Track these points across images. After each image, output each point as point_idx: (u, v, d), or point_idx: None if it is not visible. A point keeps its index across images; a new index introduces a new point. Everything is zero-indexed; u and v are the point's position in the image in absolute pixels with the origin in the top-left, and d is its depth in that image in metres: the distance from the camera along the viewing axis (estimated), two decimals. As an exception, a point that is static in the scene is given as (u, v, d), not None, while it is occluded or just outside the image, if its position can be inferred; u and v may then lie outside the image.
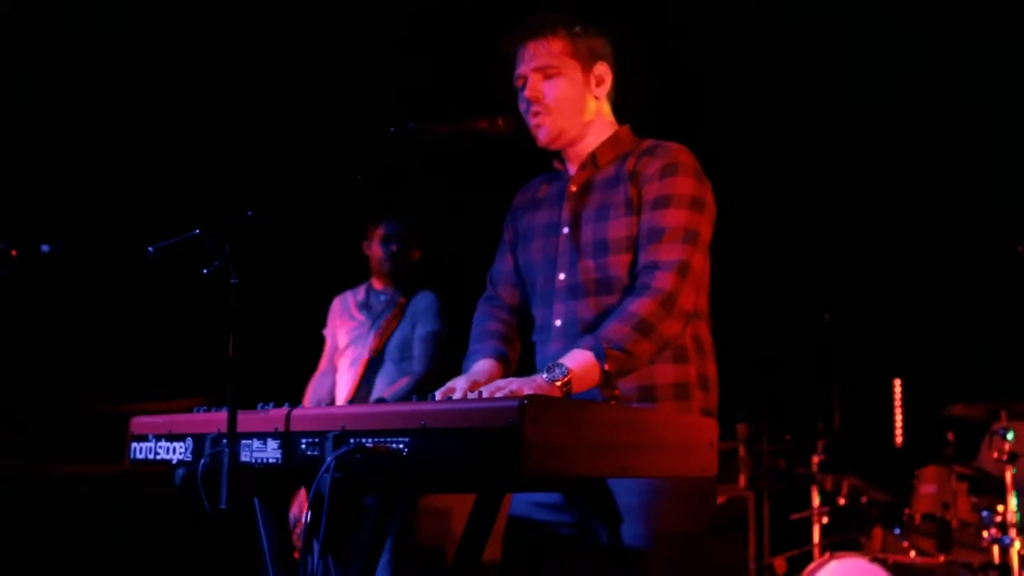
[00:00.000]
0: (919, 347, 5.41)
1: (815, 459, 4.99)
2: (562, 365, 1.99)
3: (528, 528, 2.25)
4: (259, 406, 2.06)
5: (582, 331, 2.20)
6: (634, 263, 2.21)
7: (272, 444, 1.90)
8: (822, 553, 4.62)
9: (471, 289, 2.62)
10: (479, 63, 2.88)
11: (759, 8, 5.18)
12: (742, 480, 5.16)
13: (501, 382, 1.93)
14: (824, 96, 5.32)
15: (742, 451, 5.17)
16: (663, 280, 2.13)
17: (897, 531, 4.45)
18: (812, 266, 5.54)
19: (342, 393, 4.14)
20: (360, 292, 4.29)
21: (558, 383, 1.96)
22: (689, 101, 5.26)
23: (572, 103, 2.31)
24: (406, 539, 3.54)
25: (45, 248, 3.20)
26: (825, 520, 4.93)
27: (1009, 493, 4.12)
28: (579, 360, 2.01)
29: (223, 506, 1.84)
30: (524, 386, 1.91)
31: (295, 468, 1.86)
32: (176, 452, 2.12)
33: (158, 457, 2.17)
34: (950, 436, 4.56)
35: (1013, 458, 4.14)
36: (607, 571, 2.10)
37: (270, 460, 1.90)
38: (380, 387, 4.06)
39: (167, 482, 2.08)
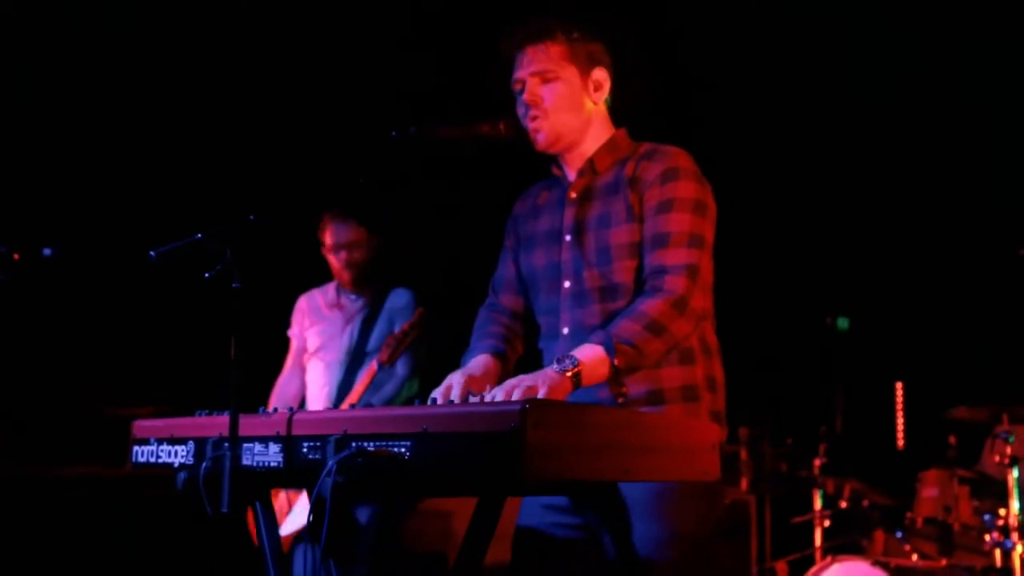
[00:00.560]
0: (921, 350, 5.41)
1: (817, 462, 4.99)
2: (572, 356, 2.01)
3: (537, 531, 2.25)
4: (260, 410, 2.06)
5: None
6: (639, 269, 2.22)
7: (274, 448, 1.90)
8: (824, 556, 4.62)
9: (472, 290, 2.62)
10: (479, 64, 2.88)
11: (759, 8, 5.18)
12: (744, 483, 5.16)
13: (513, 380, 1.93)
14: (826, 97, 5.32)
15: (744, 454, 5.17)
16: (674, 283, 2.14)
17: (899, 534, 4.45)
18: (814, 269, 5.54)
19: (318, 396, 4.00)
20: (329, 291, 4.15)
21: (568, 373, 1.97)
22: (689, 101, 5.26)
23: (570, 107, 2.31)
24: (407, 542, 3.54)
25: (47, 252, 3.20)
26: (827, 523, 4.93)
27: (1011, 496, 4.12)
28: (589, 353, 2.03)
29: (224, 510, 1.84)
30: (537, 380, 1.92)
31: (297, 472, 1.86)
32: (178, 455, 2.12)
33: (160, 460, 2.17)
34: (952, 439, 4.56)
35: (1015, 461, 4.14)
36: (614, 573, 2.10)
37: (272, 464, 1.90)
38: (367, 391, 3.96)
39: (167, 484, 2.08)
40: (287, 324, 4.25)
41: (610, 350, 2.03)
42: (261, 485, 2.04)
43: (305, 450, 1.84)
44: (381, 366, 3.83)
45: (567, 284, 2.30)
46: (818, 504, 4.97)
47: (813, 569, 4.14)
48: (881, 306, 5.58)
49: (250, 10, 5.01)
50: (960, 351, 5.24)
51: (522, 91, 2.32)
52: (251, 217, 2.02)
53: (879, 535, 4.67)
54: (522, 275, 2.45)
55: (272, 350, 4.30)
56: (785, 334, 5.54)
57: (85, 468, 4.70)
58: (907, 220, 5.43)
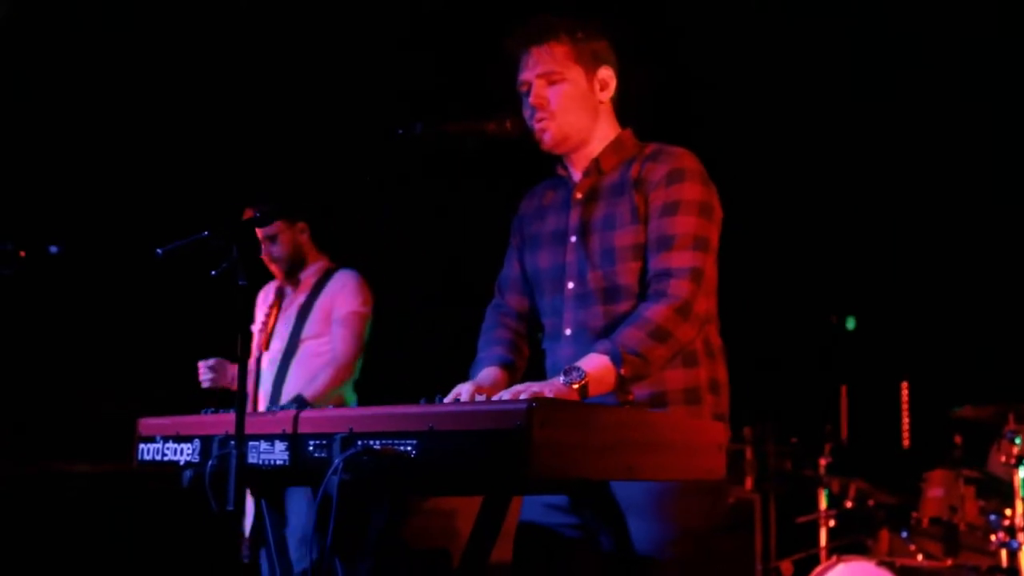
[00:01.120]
0: (927, 349, 5.40)
1: (822, 461, 4.99)
2: (579, 368, 2.00)
3: (539, 530, 2.25)
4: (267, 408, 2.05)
5: (593, 338, 2.20)
6: (643, 271, 2.21)
7: (280, 446, 1.90)
8: (829, 556, 4.61)
9: (471, 290, 2.62)
10: (479, 64, 2.88)
11: (759, 8, 5.18)
12: (748, 482, 5.16)
13: (520, 386, 1.93)
14: (828, 98, 5.31)
15: (749, 453, 5.17)
16: (678, 287, 2.13)
17: (904, 534, 4.44)
18: (819, 268, 5.53)
19: (262, 392, 3.85)
20: (272, 285, 4.06)
21: (575, 386, 1.97)
22: (691, 101, 5.25)
23: (577, 108, 2.30)
24: (411, 539, 3.53)
25: (53, 249, 3.21)
26: (832, 523, 4.92)
27: (1017, 497, 4.10)
28: (595, 364, 2.03)
29: (230, 507, 1.85)
30: (544, 389, 1.92)
31: (302, 470, 1.86)
32: (183, 453, 2.12)
33: (165, 458, 2.18)
34: (957, 439, 4.55)
35: (1021, 461, 4.13)
36: (618, 572, 2.10)
37: (277, 462, 1.90)
38: (296, 377, 3.79)
39: (171, 480, 2.08)
40: None
41: (616, 360, 2.03)
42: (267, 483, 2.04)
43: (311, 448, 1.84)
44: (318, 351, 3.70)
45: (571, 285, 2.29)
46: (823, 503, 4.96)
47: (818, 569, 4.13)
48: (886, 305, 5.57)
49: (251, 10, 5.02)
50: (966, 350, 5.23)
51: (528, 93, 2.31)
52: (257, 215, 2.02)
53: (884, 535, 4.66)
54: (527, 275, 2.44)
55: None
56: (790, 333, 5.53)
57: (86, 465, 4.71)
58: (912, 218, 5.41)
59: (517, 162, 2.53)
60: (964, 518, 4.30)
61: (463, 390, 2.13)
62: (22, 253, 3.16)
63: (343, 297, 3.87)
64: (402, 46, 5.17)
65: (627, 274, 2.22)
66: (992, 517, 4.14)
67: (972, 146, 5.19)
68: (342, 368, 3.79)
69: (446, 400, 2.08)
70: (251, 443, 1.95)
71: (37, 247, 3.21)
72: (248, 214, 3.71)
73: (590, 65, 2.32)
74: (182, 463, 2.11)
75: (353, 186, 2.16)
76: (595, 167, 2.34)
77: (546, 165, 2.46)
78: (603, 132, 2.35)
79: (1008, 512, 4.12)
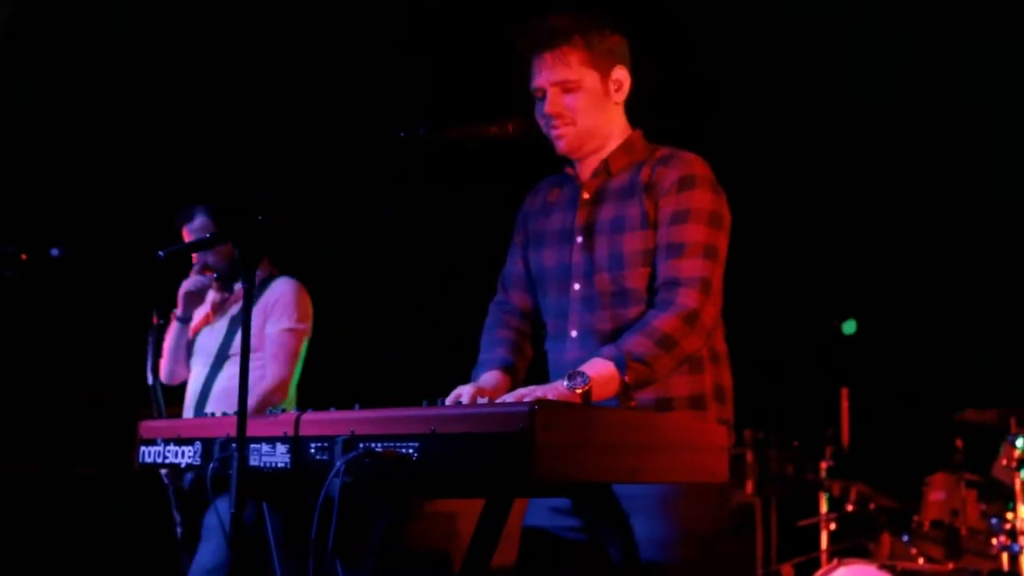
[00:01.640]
0: (929, 353, 5.39)
1: (823, 465, 4.98)
2: (583, 373, 1.99)
3: (545, 534, 2.24)
4: (268, 411, 2.05)
5: (600, 342, 2.19)
6: (652, 276, 2.20)
7: (281, 448, 1.90)
8: (830, 560, 4.60)
9: (471, 291, 2.62)
10: (479, 64, 2.88)
11: (759, 8, 5.17)
12: (749, 486, 5.15)
13: (523, 390, 1.92)
14: (828, 99, 5.31)
15: (750, 457, 5.16)
16: (686, 297, 2.13)
17: (905, 538, 4.43)
18: (821, 271, 5.53)
19: (188, 402, 3.55)
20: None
21: (579, 391, 1.97)
22: (692, 101, 5.25)
23: (594, 115, 2.28)
24: (412, 542, 3.53)
25: (55, 252, 3.21)
26: (833, 526, 4.91)
27: (1019, 500, 4.10)
28: (600, 369, 2.02)
29: (232, 510, 1.84)
30: (547, 393, 1.91)
31: (304, 472, 1.85)
32: (185, 456, 2.12)
33: (167, 461, 2.18)
34: (959, 443, 4.54)
35: (1022, 465, 4.12)
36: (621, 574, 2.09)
37: (279, 464, 1.90)
38: (220, 397, 3.41)
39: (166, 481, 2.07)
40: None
41: (621, 367, 2.03)
42: (268, 486, 2.03)
43: (312, 451, 1.84)
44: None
45: (577, 286, 2.28)
46: (824, 507, 4.95)
47: (819, 572, 4.13)
48: (888, 309, 5.56)
49: (251, 10, 5.02)
50: (968, 354, 5.23)
51: (542, 99, 2.28)
52: (259, 218, 2.02)
53: (885, 538, 4.65)
54: (530, 272, 2.43)
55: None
56: (791, 336, 5.52)
57: (88, 467, 4.71)
58: (914, 222, 5.41)
59: (517, 162, 2.53)
60: (965, 522, 4.30)
61: (464, 392, 2.12)
62: (24, 256, 3.16)
63: (277, 311, 3.42)
64: (402, 46, 5.17)
65: (635, 279, 2.21)
66: (994, 521, 4.14)
67: (973, 149, 5.19)
68: (271, 391, 3.34)
69: (446, 402, 2.08)
70: (252, 446, 1.95)
71: (39, 250, 3.21)
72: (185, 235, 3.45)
73: (605, 67, 2.28)
74: (183, 466, 2.11)
75: (356, 188, 2.16)
76: (604, 168, 2.33)
77: (546, 164, 2.45)
78: (614, 133, 2.34)
79: (1010, 516, 4.12)
